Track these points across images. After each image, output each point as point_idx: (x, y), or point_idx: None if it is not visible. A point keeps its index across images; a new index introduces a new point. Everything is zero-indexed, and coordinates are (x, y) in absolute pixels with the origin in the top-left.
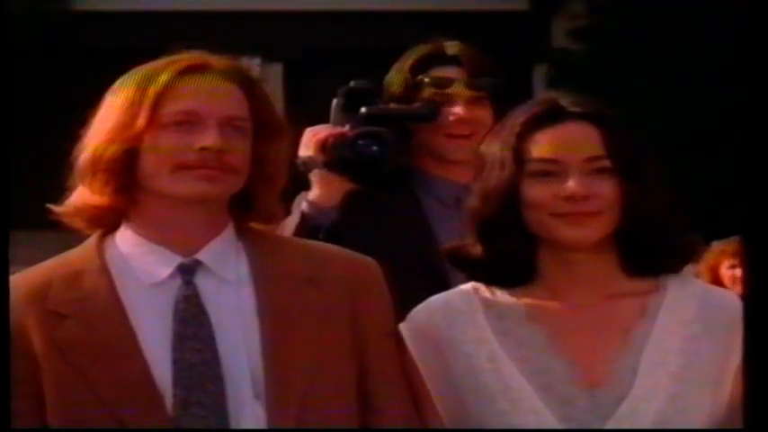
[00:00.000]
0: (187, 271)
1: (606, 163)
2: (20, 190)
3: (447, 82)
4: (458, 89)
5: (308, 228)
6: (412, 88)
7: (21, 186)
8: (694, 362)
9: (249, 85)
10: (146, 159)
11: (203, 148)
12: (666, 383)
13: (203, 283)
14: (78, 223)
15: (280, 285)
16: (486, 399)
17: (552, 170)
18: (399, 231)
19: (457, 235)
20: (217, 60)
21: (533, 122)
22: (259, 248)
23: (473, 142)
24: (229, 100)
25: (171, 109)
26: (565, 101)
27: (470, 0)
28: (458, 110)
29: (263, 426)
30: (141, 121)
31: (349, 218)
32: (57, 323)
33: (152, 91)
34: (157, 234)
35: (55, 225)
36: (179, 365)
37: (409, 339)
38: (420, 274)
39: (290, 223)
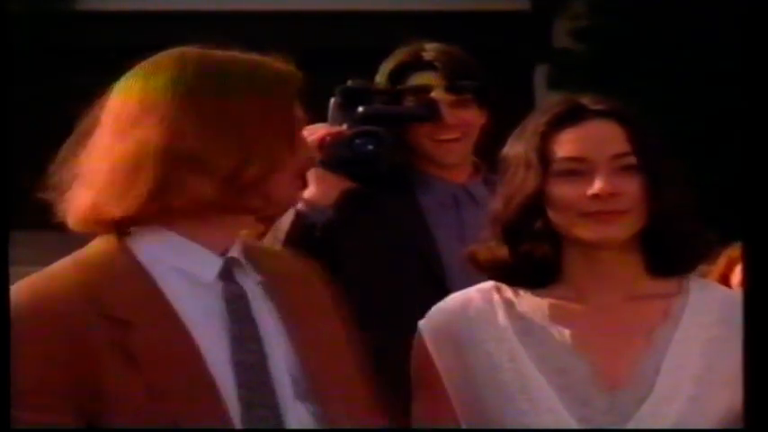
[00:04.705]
0: (227, 270)
1: (632, 160)
2: (20, 190)
3: (426, 89)
4: (438, 94)
5: (303, 226)
6: (394, 96)
7: (21, 186)
8: (715, 365)
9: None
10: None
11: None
12: (688, 386)
13: (243, 281)
14: (90, 229)
15: (285, 284)
16: (505, 398)
17: (578, 169)
18: (397, 231)
19: (455, 235)
20: None
21: (556, 122)
22: (251, 250)
23: (464, 145)
24: None
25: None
26: (585, 100)
27: (471, 0)
28: (442, 115)
29: (309, 426)
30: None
31: (345, 216)
32: (118, 329)
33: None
34: (190, 233)
35: (56, 225)
36: (240, 367)
37: (428, 337)
38: (418, 274)
39: (285, 221)
